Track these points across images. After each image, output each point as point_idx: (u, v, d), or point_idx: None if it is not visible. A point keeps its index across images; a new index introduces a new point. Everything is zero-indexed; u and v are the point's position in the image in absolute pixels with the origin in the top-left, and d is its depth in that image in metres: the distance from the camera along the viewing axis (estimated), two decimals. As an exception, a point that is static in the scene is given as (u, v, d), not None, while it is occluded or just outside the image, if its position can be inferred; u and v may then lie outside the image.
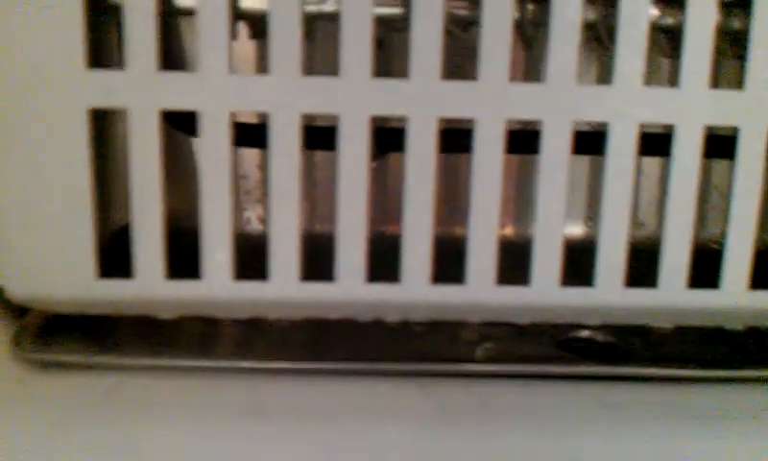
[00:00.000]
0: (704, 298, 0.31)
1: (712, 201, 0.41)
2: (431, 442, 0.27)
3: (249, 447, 0.28)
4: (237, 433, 0.28)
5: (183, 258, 0.30)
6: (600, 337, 0.33)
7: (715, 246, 0.32)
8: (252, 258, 0.30)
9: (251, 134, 0.31)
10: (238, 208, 0.39)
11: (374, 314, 0.31)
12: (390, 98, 0.29)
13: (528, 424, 0.28)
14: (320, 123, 0.30)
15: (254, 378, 0.30)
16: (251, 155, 0.38)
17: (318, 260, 0.30)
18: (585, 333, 0.33)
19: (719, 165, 0.40)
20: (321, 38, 0.33)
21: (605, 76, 0.30)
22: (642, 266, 0.31)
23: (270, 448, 0.28)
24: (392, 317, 0.32)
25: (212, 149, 0.28)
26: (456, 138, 0.30)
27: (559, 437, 0.28)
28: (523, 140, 0.31)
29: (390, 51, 0.33)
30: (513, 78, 0.29)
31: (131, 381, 0.30)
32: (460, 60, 0.30)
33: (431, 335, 0.32)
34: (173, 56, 0.35)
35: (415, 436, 0.28)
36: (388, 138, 0.32)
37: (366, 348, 0.31)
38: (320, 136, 0.31)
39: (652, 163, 0.41)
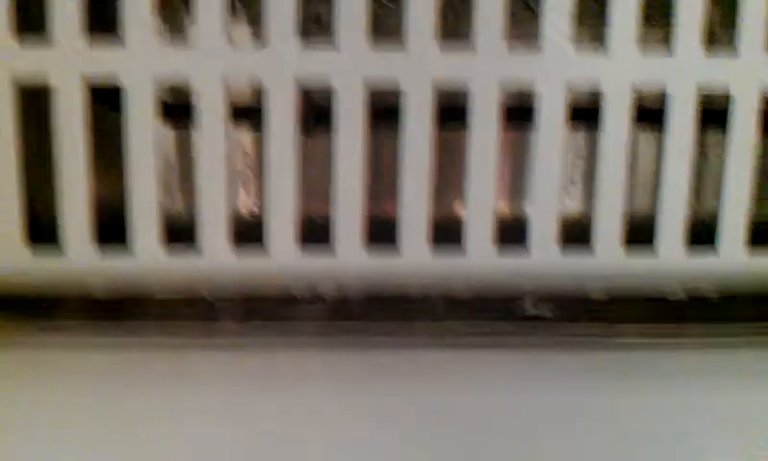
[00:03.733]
0: (641, 262, 0.31)
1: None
2: (361, 401, 0.27)
3: (180, 417, 0.27)
4: (170, 405, 0.28)
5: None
6: (539, 308, 0.33)
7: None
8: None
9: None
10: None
11: (309, 286, 0.31)
12: (318, 67, 0.29)
13: (462, 386, 0.28)
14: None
15: (186, 352, 0.30)
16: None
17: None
18: (525, 303, 0.33)
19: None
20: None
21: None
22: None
23: (198, 418, 0.28)
24: (327, 289, 0.31)
25: (137, 122, 0.28)
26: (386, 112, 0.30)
27: (491, 396, 0.28)
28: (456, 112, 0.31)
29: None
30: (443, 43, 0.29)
31: (65, 356, 0.29)
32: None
33: (371, 309, 0.32)
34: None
35: (343, 398, 0.27)
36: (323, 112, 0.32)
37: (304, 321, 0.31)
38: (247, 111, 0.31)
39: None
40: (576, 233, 0.31)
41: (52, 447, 0.27)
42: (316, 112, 0.33)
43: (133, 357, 0.29)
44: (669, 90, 0.29)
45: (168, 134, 0.36)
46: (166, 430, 0.27)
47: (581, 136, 0.38)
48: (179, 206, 0.37)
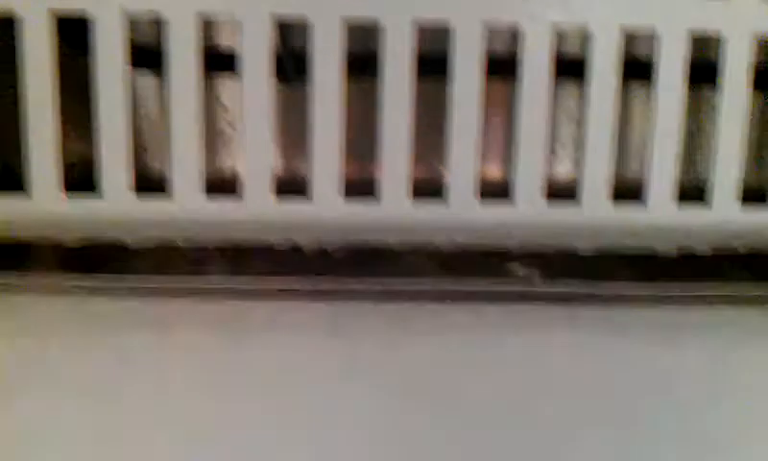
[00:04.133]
0: (629, 215, 0.30)
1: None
2: (336, 351, 0.26)
3: (152, 364, 0.27)
4: (142, 352, 0.27)
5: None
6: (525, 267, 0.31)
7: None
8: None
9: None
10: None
11: (286, 235, 0.30)
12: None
13: (443, 339, 0.27)
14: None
15: (159, 299, 0.29)
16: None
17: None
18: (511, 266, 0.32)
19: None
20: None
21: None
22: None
23: (169, 366, 0.27)
24: (304, 239, 0.30)
25: (106, 58, 0.28)
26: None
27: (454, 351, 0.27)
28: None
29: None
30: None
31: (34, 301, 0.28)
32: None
33: (350, 261, 0.31)
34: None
35: (318, 347, 0.26)
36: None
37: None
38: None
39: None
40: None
41: (23, 392, 0.26)
42: (297, 64, 0.33)
43: (103, 304, 0.28)
44: (659, 32, 0.28)
45: (150, 85, 0.35)
46: (137, 376, 0.26)
47: (571, 100, 0.37)
48: (161, 165, 0.36)
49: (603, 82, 0.29)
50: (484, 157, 0.35)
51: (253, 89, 0.28)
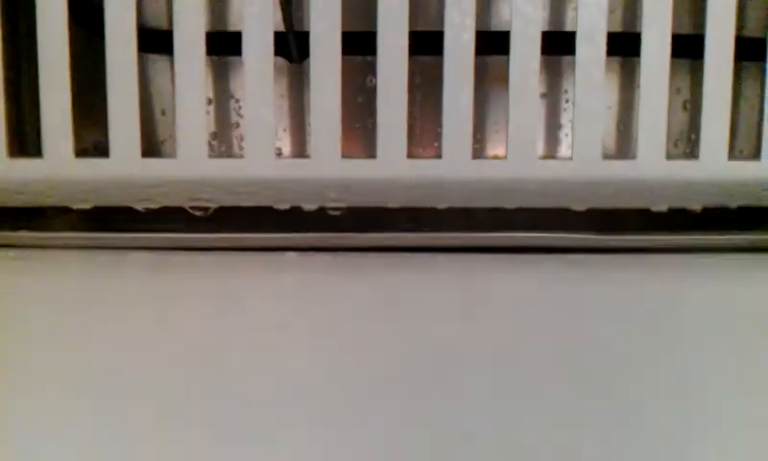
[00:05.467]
0: (619, 168, 0.30)
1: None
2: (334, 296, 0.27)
3: (161, 313, 0.28)
4: (151, 297, 0.28)
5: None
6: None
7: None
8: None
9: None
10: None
11: (288, 195, 0.31)
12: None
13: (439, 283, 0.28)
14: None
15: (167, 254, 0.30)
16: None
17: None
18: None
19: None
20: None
21: None
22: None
23: (179, 313, 0.28)
24: (305, 199, 0.31)
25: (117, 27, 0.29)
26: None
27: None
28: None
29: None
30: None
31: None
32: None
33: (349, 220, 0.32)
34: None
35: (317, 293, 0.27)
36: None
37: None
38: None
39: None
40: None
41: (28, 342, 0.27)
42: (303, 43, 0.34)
43: (111, 256, 0.29)
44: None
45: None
46: (142, 321, 0.27)
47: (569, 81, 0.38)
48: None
49: (593, 38, 0.30)
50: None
51: (255, 48, 0.29)
